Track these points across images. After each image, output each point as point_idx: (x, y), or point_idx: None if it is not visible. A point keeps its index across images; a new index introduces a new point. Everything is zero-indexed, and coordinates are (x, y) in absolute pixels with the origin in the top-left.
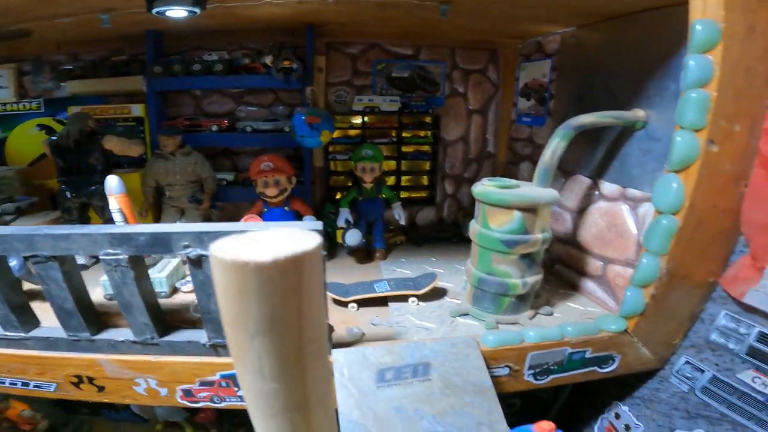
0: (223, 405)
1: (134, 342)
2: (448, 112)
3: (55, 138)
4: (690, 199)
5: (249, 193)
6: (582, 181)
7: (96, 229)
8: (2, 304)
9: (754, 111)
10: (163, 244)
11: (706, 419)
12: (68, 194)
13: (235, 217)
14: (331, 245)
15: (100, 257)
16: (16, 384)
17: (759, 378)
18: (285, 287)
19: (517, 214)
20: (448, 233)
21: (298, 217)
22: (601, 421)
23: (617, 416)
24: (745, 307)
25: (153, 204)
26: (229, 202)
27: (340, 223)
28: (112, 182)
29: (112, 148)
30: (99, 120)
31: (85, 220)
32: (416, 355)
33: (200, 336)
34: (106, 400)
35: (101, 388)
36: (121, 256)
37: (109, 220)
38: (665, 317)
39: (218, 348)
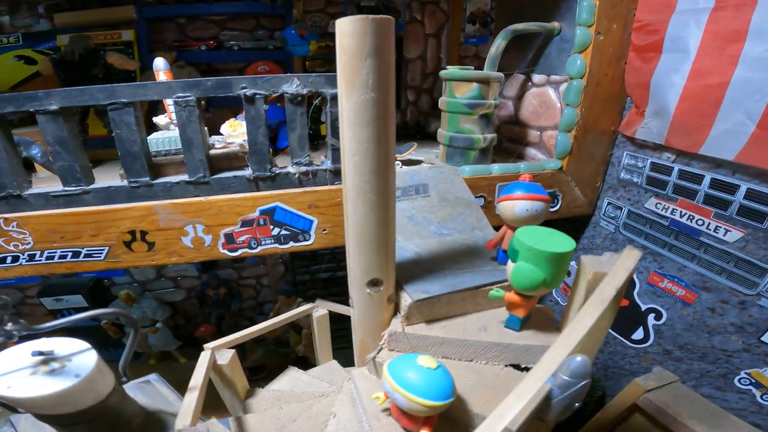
0: (258, 250)
1: (188, 182)
2: (409, 36)
3: (56, 56)
4: (588, 68)
5: (235, 100)
6: (518, 78)
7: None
8: (69, 153)
9: (625, 15)
10: (225, 86)
11: None
12: None
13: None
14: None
15: (173, 99)
16: (66, 257)
17: (660, 203)
18: (384, 29)
19: (475, 85)
20: (412, 131)
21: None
22: None
23: (567, 274)
24: (638, 144)
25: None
26: (219, 108)
27: None
28: (159, 62)
29: (114, 61)
30: None
31: (84, 127)
32: (415, 178)
33: (245, 173)
34: (153, 263)
35: (151, 246)
36: (190, 98)
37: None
38: (586, 158)
39: (259, 181)
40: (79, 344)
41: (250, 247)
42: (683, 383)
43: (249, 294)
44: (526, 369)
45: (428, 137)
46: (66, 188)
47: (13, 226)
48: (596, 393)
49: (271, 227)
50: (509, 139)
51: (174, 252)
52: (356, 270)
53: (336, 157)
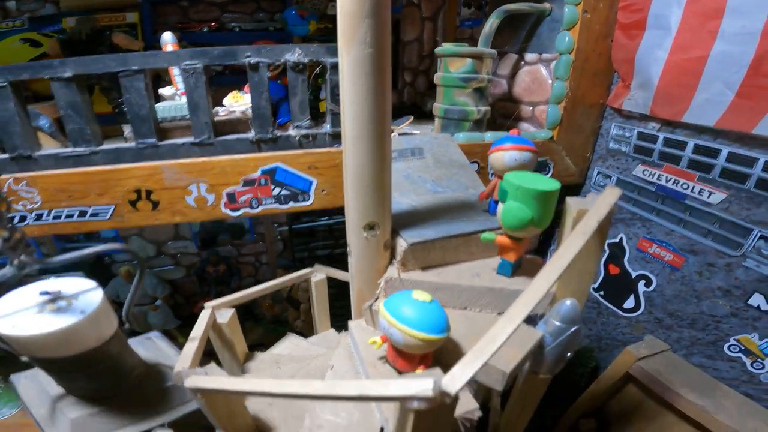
0: (259, 210)
1: (193, 144)
2: (406, 19)
3: (63, 37)
4: (576, 44)
5: (237, 79)
6: (512, 57)
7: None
8: (80, 117)
9: None
10: (231, 55)
11: (622, 222)
12: None
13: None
14: None
15: (181, 66)
16: (72, 216)
17: (647, 170)
18: None
19: (469, 60)
20: (409, 111)
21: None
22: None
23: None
24: (625, 116)
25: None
26: (221, 87)
27: None
28: (167, 36)
29: (119, 42)
30: None
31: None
32: (411, 143)
33: (247, 135)
34: (157, 222)
35: (156, 205)
36: (198, 65)
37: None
38: (576, 130)
39: (261, 143)
40: (86, 283)
41: (251, 207)
42: (674, 352)
43: (248, 271)
44: None
45: (425, 116)
46: (76, 149)
47: (22, 185)
48: (590, 364)
49: (272, 187)
50: (502, 115)
51: (178, 211)
52: (353, 214)
53: (335, 122)
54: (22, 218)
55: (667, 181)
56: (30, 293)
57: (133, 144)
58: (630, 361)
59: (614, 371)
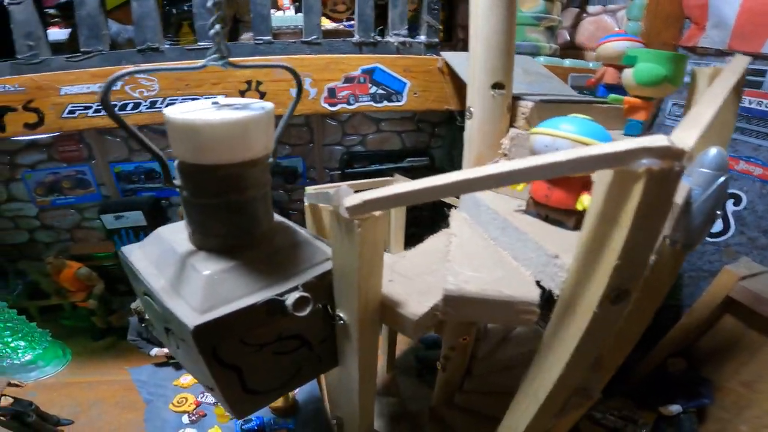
0: (355, 106)
1: (303, 42)
2: None
3: None
4: None
5: None
6: (572, 10)
7: None
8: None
9: None
10: None
11: None
12: (173, 11)
13: None
14: None
15: None
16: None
17: None
18: None
19: (542, 0)
20: None
21: None
22: None
23: None
24: (700, 53)
25: None
26: None
27: None
28: None
29: None
30: None
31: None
32: None
33: (351, 38)
34: None
35: (262, 95)
36: None
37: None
38: None
39: (363, 46)
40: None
41: (348, 103)
42: None
43: (296, 219)
44: None
45: None
46: (200, 43)
47: (145, 74)
48: (673, 300)
49: (369, 86)
50: None
51: (281, 103)
52: (481, 74)
53: (430, 33)
54: (136, 105)
55: (750, 104)
56: (202, 104)
57: (251, 41)
58: (730, 283)
59: (711, 297)
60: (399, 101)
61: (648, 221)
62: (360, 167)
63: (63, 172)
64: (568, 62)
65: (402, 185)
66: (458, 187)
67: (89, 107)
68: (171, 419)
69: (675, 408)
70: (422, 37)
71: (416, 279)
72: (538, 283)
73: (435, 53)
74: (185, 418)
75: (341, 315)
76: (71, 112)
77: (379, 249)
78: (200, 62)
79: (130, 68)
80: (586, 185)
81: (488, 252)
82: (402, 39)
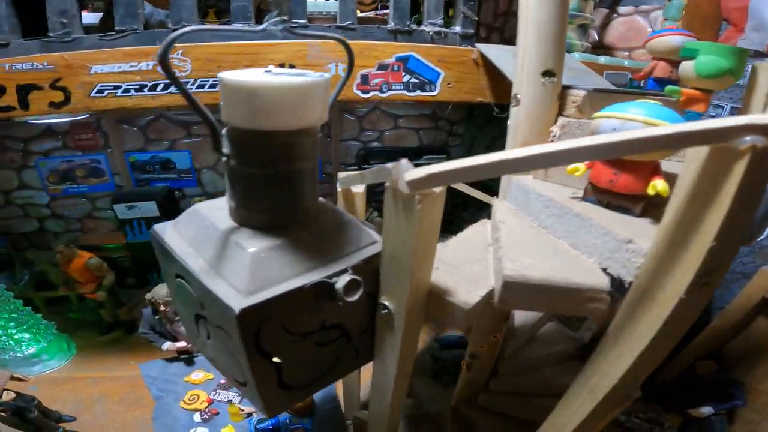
0: (388, 94)
1: (338, 27)
2: None
3: None
4: None
5: None
6: (602, 11)
7: None
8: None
9: None
10: None
11: None
12: None
13: None
14: None
15: None
16: (215, 86)
17: None
18: None
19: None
20: None
21: None
22: None
23: None
24: None
25: None
26: None
27: None
28: None
29: None
30: None
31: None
32: None
33: (386, 25)
34: None
35: None
36: None
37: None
38: None
39: (398, 34)
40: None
41: (381, 91)
42: None
43: None
44: None
45: None
46: (235, 24)
47: (178, 54)
48: None
49: (403, 74)
50: None
51: None
52: (532, 63)
53: (466, 24)
54: (166, 86)
55: None
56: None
57: (285, 24)
58: (767, 284)
59: (746, 299)
60: (432, 91)
61: (747, 200)
62: (376, 163)
63: (77, 160)
64: (603, 59)
65: (469, 159)
66: (539, 160)
67: (119, 87)
68: (181, 417)
69: (706, 410)
70: (457, 28)
71: (462, 268)
72: (604, 270)
73: (470, 44)
74: (197, 417)
75: (386, 303)
76: (100, 91)
77: (435, 230)
78: (260, 26)
79: (192, 27)
80: (655, 170)
81: (542, 240)
82: (437, 28)
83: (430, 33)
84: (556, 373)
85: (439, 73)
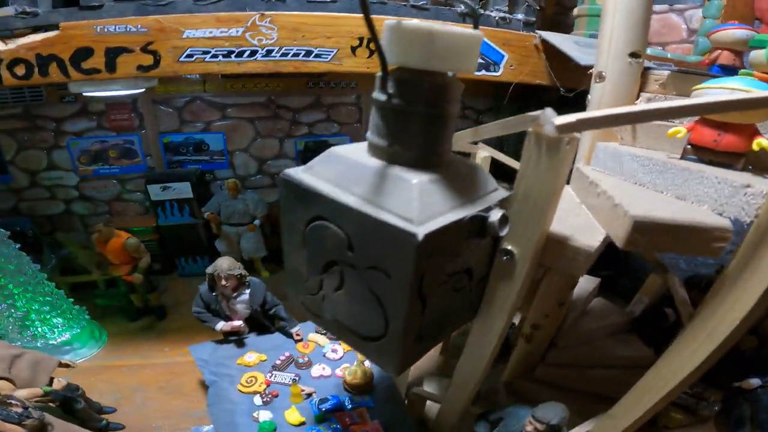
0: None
1: (412, 6)
2: None
3: None
4: None
5: None
6: None
7: None
8: None
9: None
10: None
11: None
12: None
13: None
14: None
15: None
16: (299, 55)
17: None
18: None
19: None
20: None
21: None
22: None
23: None
24: None
25: None
26: None
27: None
28: None
29: None
30: None
31: None
32: None
33: (456, 8)
34: (367, 69)
35: (371, 54)
36: None
37: None
38: None
39: (466, 17)
40: None
41: None
42: None
43: None
44: None
45: None
46: None
47: (266, 22)
48: None
49: None
50: None
51: None
52: (620, 44)
53: (529, 12)
54: (253, 53)
55: None
56: None
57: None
58: None
59: None
60: (496, 71)
61: None
62: None
63: (111, 140)
64: (649, 50)
65: (615, 108)
66: (687, 110)
67: (208, 52)
68: (240, 401)
69: (755, 381)
70: (520, 15)
71: (565, 219)
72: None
73: (531, 31)
74: (257, 399)
75: (510, 248)
76: (189, 56)
77: (565, 176)
78: None
79: None
80: (756, 131)
81: (646, 193)
82: (502, 14)
83: (496, 18)
84: (610, 345)
85: (503, 56)
